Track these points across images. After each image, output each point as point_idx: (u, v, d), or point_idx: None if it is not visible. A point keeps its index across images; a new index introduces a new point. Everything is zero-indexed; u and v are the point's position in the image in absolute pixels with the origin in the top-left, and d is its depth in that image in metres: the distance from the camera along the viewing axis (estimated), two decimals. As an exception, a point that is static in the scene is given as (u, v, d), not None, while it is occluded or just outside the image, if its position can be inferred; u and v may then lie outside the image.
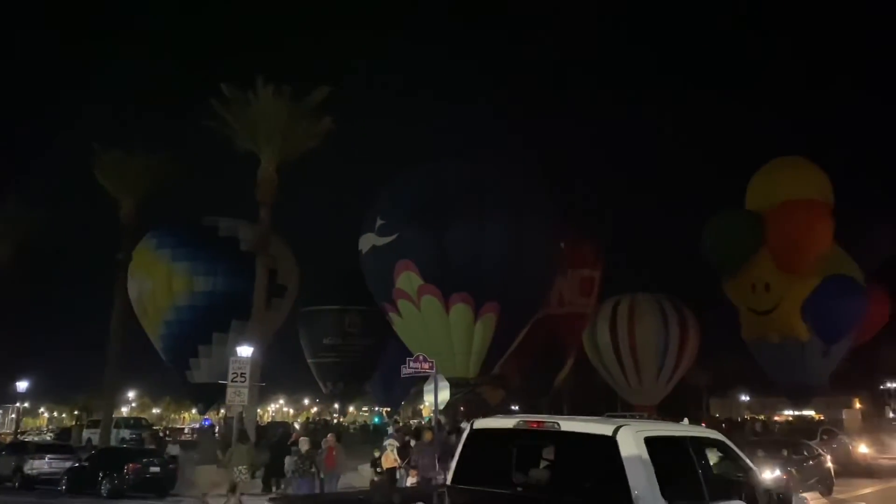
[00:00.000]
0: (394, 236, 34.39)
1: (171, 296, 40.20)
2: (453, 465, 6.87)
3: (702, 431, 7.24)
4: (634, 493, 5.47)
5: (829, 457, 19.06)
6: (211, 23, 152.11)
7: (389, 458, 16.06)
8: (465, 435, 6.93)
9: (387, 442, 16.70)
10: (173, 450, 21.15)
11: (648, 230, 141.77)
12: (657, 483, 5.58)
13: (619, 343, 49.22)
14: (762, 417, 59.58)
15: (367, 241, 36.01)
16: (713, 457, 6.54)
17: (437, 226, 33.12)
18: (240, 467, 15.89)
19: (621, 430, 5.89)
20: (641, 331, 48.51)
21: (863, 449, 23.50)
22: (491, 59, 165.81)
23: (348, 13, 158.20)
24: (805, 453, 18.26)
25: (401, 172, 38.84)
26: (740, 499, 6.52)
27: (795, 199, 40.79)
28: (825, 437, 25.23)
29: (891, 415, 57.88)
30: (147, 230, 40.65)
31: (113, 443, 31.52)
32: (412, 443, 17.36)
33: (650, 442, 5.89)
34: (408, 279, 34.04)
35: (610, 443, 5.82)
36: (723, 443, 6.90)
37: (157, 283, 40.14)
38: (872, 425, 39.97)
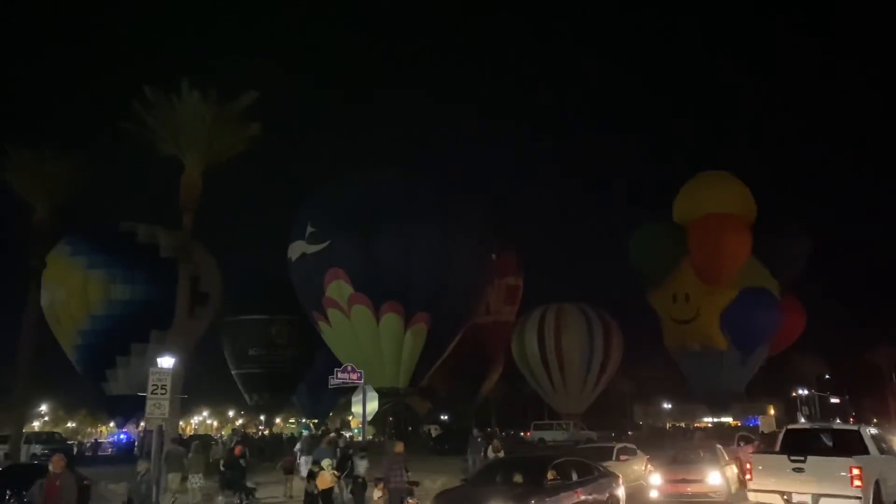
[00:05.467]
0: (325, 244, 33.93)
1: (87, 305, 38.66)
2: (779, 444, 14.22)
3: (873, 429, 15.07)
4: (870, 450, 13.14)
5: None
6: (136, 23, 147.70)
7: (326, 479, 15.08)
8: (783, 431, 14.78)
9: (324, 462, 15.60)
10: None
11: (575, 240, 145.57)
12: (876, 446, 13.40)
13: (547, 352, 49.91)
14: (682, 424, 61.26)
15: (297, 249, 35.41)
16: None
17: (369, 234, 32.86)
18: (196, 475, 17.45)
19: (860, 428, 14.16)
20: (567, 340, 49.32)
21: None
22: (424, 70, 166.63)
23: (279, 20, 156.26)
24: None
25: (332, 180, 38.42)
26: (878, 452, 13.57)
27: (716, 213, 42.16)
28: (742, 443, 25.79)
29: (802, 420, 60.36)
30: (62, 236, 38.95)
31: (23, 459, 29.79)
32: (355, 456, 16.58)
33: (872, 434, 13.86)
34: (338, 288, 33.61)
35: (858, 432, 13.72)
36: (861, 431, 13.95)
37: (71, 292, 38.52)
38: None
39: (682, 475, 16.99)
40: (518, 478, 12.58)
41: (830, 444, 13.73)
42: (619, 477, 15.08)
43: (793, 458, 13.00)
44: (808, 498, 12.71)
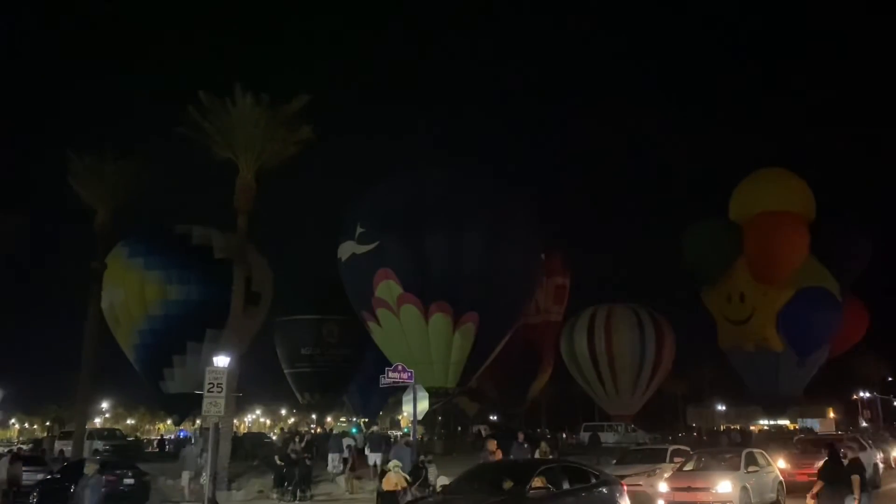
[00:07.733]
0: (374, 244, 34.16)
1: (144, 305, 39.65)
2: None
3: None
4: None
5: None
6: (189, 30, 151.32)
7: (391, 480, 14.46)
8: None
9: (390, 463, 15.20)
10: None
11: (627, 238, 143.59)
12: None
13: (597, 353, 49.42)
14: (737, 427, 59.94)
15: (347, 249, 35.75)
16: None
17: (418, 234, 32.99)
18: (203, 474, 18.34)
19: None
20: (618, 341, 48.74)
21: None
22: (473, 70, 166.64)
23: (330, 22, 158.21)
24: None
25: (382, 180, 38.63)
26: None
27: (772, 211, 41.08)
28: (799, 447, 25.00)
29: (864, 424, 58.44)
30: (122, 238, 40.07)
31: (86, 454, 30.81)
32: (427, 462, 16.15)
33: None
34: (387, 288, 33.82)
35: None
36: None
37: (129, 293, 39.57)
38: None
39: (688, 482, 15.86)
40: (502, 485, 11.67)
41: None
42: (622, 485, 13.76)
43: None
44: None
